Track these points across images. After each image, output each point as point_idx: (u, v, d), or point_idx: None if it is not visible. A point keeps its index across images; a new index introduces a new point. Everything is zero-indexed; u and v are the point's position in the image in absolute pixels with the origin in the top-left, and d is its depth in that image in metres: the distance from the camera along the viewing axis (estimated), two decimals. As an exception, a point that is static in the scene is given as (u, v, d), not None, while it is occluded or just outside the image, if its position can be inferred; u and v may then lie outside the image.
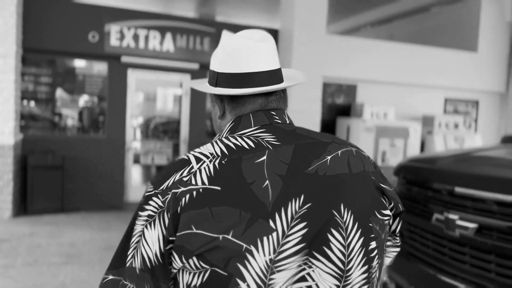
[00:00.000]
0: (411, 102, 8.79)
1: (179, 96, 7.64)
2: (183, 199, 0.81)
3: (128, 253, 0.87)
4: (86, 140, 6.82)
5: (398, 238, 1.08)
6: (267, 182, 0.83)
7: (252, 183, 0.82)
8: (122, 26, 6.74)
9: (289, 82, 1.01)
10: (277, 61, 1.01)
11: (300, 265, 0.82)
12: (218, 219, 0.79)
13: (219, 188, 0.82)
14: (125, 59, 6.78)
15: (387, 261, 1.10)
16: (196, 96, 7.44)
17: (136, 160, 7.39)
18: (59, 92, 6.91)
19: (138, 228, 0.86)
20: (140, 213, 0.86)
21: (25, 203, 6.21)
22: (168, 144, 7.54)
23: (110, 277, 0.88)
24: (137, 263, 0.85)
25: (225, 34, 1.02)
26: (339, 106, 8.35)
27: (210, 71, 1.04)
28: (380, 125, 7.55)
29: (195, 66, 7.21)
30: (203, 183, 0.82)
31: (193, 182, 0.83)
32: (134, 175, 7.48)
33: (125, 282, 0.86)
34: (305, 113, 7.09)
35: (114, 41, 6.71)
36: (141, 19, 6.86)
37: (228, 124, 0.99)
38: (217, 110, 1.04)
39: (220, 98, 1.01)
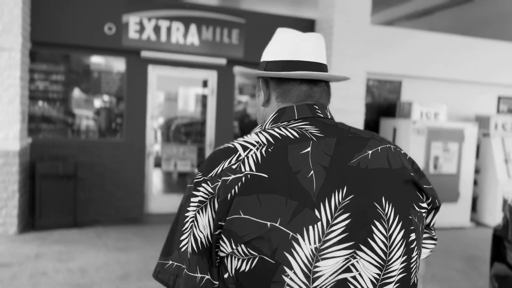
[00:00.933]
0: (462, 100, 7.83)
1: (204, 95, 6.86)
2: (235, 186, 0.84)
3: (181, 238, 0.89)
4: (102, 144, 6.09)
5: (433, 231, 1.10)
6: (311, 172, 0.86)
7: (298, 172, 0.85)
8: (142, 17, 5.98)
9: (334, 75, 1.04)
10: (324, 58, 1.06)
11: (347, 258, 0.84)
12: (265, 206, 0.83)
13: (266, 176, 0.85)
14: (145, 54, 6.03)
15: (425, 252, 1.09)
16: (224, 95, 6.64)
17: (157, 165, 6.63)
18: (76, 92, 6.21)
19: (189, 214, 0.89)
20: (192, 199, 0.89)
21: (33, 218, 5.51)
22: (192, 148, 6.76)
23: (170, 262, 0.91)
24: (189, 247, 0.88)
25: (279, 30, 1.08)
26: (382, 104, 7.45)
27: (261, 62, 1.08)
28: (432, 126, 6.63)
29: (222, 61, 6.41)
30: (251, 169, 0.85)
31: (242, 169, 0.86)
32: (156, 182, 6.73)
33: (180, 265, 0.88)
34: (347, 113, 6.23)
35: (132, 33, 5.96)
36: (163, 9, 6.09)
37: (272, 115, 1.01)
38: (262, 97, 1.07)
39: (266, 83, 1.05)
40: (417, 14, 10.37)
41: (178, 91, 6.93)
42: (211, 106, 6.70)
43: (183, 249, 0.89)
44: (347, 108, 6.24)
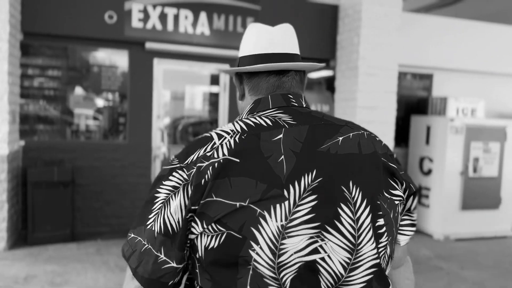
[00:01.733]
0: (500, 95, 7.10)
1: (212, 92, 6.21)
2: (208, 172, 0.88)
3: (150, 216, 0.91)
4: (103, 147, 5.45)
5: (414, 215, 1.09)
6: (282, 157, 0.89)
7: (269, 157, 0.89)
8: (146, 4, 5.34)
9: (299, 64, 1.05)
10: (295, 47, 1.09)
11: (312, 237, 0.87)
12: (236, 188, 0.86)
13: (238, 160, 0.88)
14: (150, 45, 5.39)
15: (403, 239, 1.09)
16: (236, 92, 5.98)
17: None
18: (75, 89, 5.58)
19: (161, 196, 0.91)
20: (164, 182, 0.92)
21: (25, 231, 4.89)
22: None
23: (132, 235, 0.93)
24: (157, 227, 0.89)
25: (251, 25, 1.12)
26: (411, 100, 6.74)
27: (237, 58, 1.13)
28: (471, 124, 5.91)
29: (235, 53, 5.75)
30: (223, 154, 0.89)
31: (215, 155, 0.89)
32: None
33: (141, 240, 0.91)
34: (375, 109, 5.54)
35: (136, 22, 5.32)
36: (170, -5, 5.44)
37: (249, 106, 1.06)
38: (238, 92, 1.13)
39: (239, 79, 1.11)
40: (435, 5, 9.66)
41: (185, 88, 6.27)
42: (223, 104, 6.04)
43: (148, 227, 0.91)
44: (376, 103, 5.56)
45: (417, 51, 6.30)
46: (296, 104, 1.03)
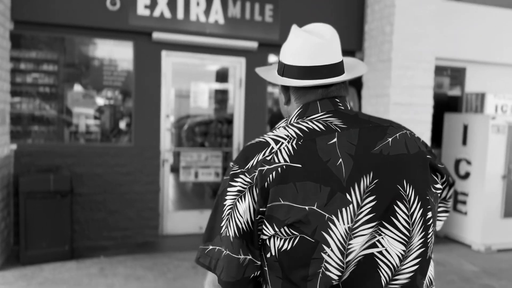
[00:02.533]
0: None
1: (219, 88, 5.62)
2: (270, 176, 0.92)
3: (221, 224, 0.96)
4: (105, 150, 4.84)
5: (449, 203, 1.18)
6: (340, 160, 0.94)
7: (328, 161, 0.94)
8: (153, -11, 4.73)
9: (348, 76, 1.10)
10: (338, 54, 1.09)
11: (372, 234, 0.94)
12: (302, 192, 0.91)
13: (300, 166, 0.93)
14: (157, 35, 4.78)
15: (439, 224, 1.17)
16: (254, 88, 5.38)
17: (172, 171, 5.37)
18: (74, 86, 4.99)
19: (228, 202, 0.96)
20: (229, 189, 0.96)
21: (18, 248, 4.28)
22: (216, 153, 5.50)
23: (210, 247, 0.98)
24: (231, 232, 0.95)
25: (294, 29, 1.11)
26: (442, 96, 6.15)
27: (279, 61, 1.14)
28: (514, 122, 5.32)
29: (252, 45, 5.15)
30: (285, 161, 0.93)
31: (276, 160, 0.94)
32: (172, 195, 5.48)
33: (220, 249, 0.96)
34: (411, 106, 4.95)
35: (142, 10, 4.71)
36: (179, -20, 4.84)
37: (297, 110, 1.09)
38: (283, 97, 1.14)
39: (285, 87, 1.12)
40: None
41: (197, 83, 5.66)
42: (239, 101, 5.44)
43: (223, 234, 0.95)
44: (411, 100, 4.96)
45: (453, 42, 5.71)
46: (343, 107, 1.07)
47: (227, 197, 0.96)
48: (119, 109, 5.22)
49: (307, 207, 0.90)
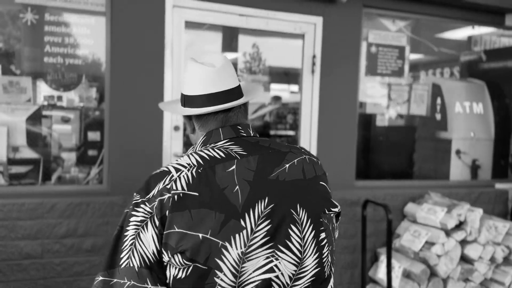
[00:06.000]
0: None
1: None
2: (169, 203, 0.95)
3: (122, 255, 0.97)
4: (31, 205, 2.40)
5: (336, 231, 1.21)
6: (237, 187, 0.98)
7: (225, 189, 0.97)
8: None
9: (246, 98, 1.16)
10: (234, 80, 1.15)
11: (268, 257, 0.98)
12: (197, 219, 0.94)
13: (196, 194, 0.96)
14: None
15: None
16: (335, 69, 2.93)
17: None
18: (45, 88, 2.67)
19: (130, 232, 0.97)
20: (131, 219, 0.98)
21: None
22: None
23: (101, 278, 0.97)
24: (136, 262, 0.95)
25: (189, 61, 1.15)
26: None
27: (180, 94, 1.19)
28: None
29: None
30: (183, 188, 0.97)
31: (174, 187, 0.97)
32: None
33: (120, 281, 0.95)
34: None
35: None
36: None
37: (201, 138, 1.14)
38: (188, 127, 1.20)
39: (188, 116, 1.18)
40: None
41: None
42: (310, 91, 2.95)
43: (125, 266, 0.96)
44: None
45: None
46: (245, 134, 1.12)
47: (128, 228, 0.97)
48: (84, 113, 2.77)
49: (200, 235, 0.93)
